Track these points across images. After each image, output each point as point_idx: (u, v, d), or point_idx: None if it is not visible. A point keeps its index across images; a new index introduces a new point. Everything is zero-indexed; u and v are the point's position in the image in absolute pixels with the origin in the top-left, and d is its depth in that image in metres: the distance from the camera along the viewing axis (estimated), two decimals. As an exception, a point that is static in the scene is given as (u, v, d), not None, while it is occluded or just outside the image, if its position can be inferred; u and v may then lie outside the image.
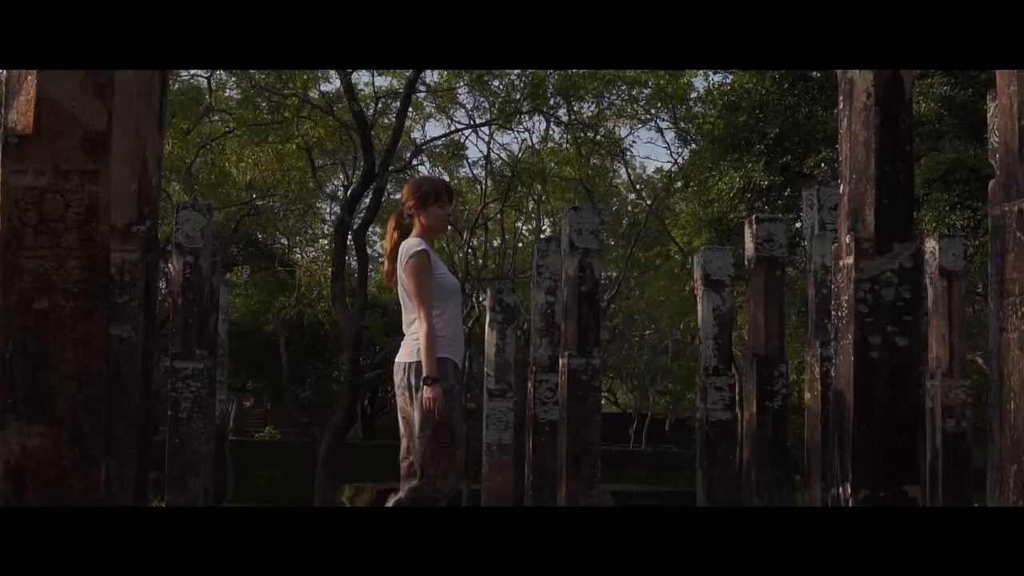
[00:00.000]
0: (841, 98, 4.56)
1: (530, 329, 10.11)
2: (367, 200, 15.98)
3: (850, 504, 4.32)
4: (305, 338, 20.91)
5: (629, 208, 26.90)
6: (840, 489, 4.39)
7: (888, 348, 4.33)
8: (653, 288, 27.10)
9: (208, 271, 8.37)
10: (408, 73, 15.57)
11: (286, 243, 24.45)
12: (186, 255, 8.18)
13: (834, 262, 4.50)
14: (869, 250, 4.35)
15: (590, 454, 8.24)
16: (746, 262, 8.58)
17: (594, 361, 8.24)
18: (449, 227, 15.67)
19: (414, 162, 19.05)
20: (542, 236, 19.90)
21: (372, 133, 17.21)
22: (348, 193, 16.16)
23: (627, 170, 22.40)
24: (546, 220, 23.49)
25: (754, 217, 8.54)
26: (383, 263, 4.97)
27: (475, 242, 22.49)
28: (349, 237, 15.37)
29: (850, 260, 4.37)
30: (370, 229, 16.38)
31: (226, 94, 19.78)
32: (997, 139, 3.95)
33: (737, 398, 10.40)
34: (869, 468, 4.29)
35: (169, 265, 10.56)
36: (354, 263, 16.70)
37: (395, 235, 4.83)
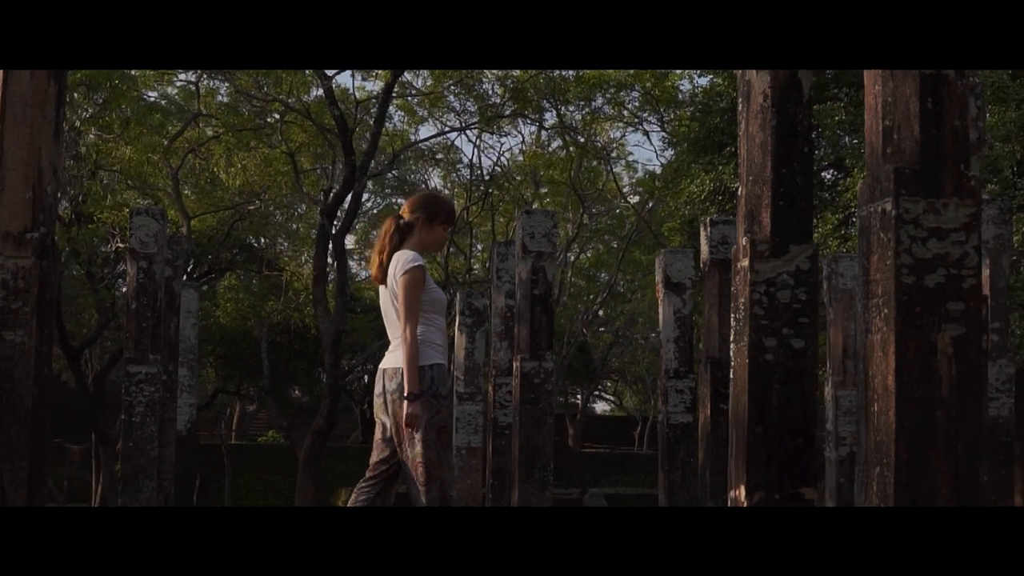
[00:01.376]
0: (740, 100, 4.56)
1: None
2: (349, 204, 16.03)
3: (745, 506, 4.31)
4: (295, 342, 20.98)
5: (627, 212, 26.92)
6: (736, 491, 4.39)
7: (783, 350, 4.32)
8: (654, 291, 27.00)
9: (162, 276, 8.41)
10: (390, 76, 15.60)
11: (285, 246, 24.53)
12: (139, 260, 8.22)
13: (733, 264, 4.50)
14: (764, 252, 4.35)
15: (543, 457, 8.24)
16: (701, 264, 8.57)
17: (546, 364, 8.24)
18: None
19: (394, 166, 19.07)
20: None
21: (359, 137, 17.27)
22: (329, 198, 16.20)
23: (613, 174, 22.36)
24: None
25: (709, 219, 8.53)
26: (373, 260, 4.99)
27: (479, 247, 22.50)
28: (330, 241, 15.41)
29: (746, 262, 4.36)
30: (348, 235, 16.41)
31: (217, 99, 19.87)
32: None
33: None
34: (763, 470, 4.28)
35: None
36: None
37: (395, 239, 4.88)
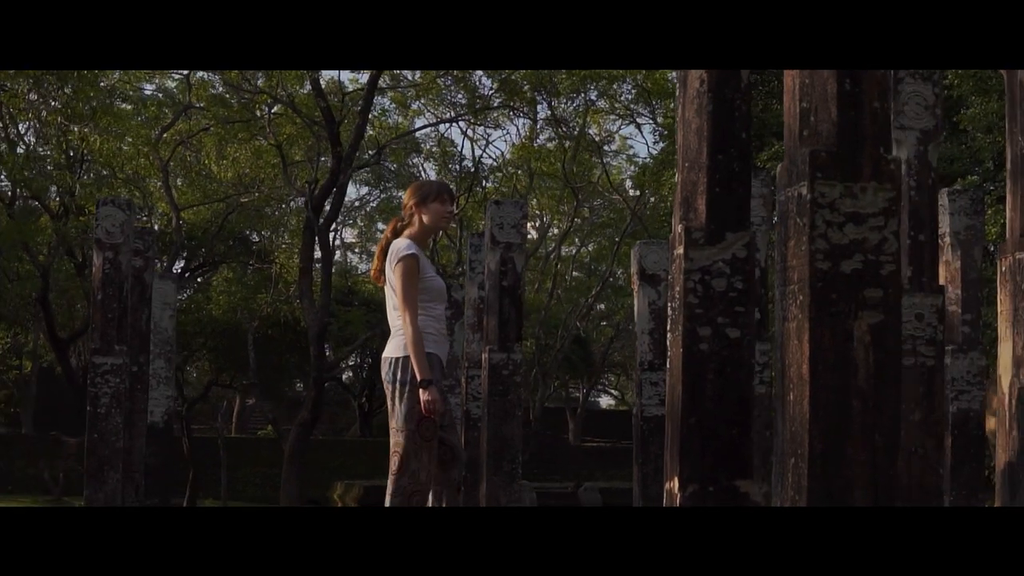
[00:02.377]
0: (678, 86, 4.48)
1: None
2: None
3: (678, 500, 4.25)
4: (285, 335, 20.98)
5: (622, 205, 26.83)
6: (670, 483, 4.33)
7: (718, 340, 4.24)
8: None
9: (129, 266, 8.35)
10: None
11: (279, 238, 24.50)
12: (105, 251, 8.16)
13: (669, 252, 4.43)
14: (700, 240, 4.27)
15: (511, 450, 8.19)
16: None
17: (515, 356, 8.18)
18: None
19: (387, 158, 19.02)
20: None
21: (348, 129, 17.20)
22: (315, 190, 16.17)
23: (605, 167, 22.26)
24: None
25: (680, 210, 8.44)
26: (374, 262, 5.07)
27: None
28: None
29: (681, 250, 4.29)
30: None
31: (209, 92, 19.83)
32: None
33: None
34: (697, 462, 4.22)
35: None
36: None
37: (390, 236, 4.92)
